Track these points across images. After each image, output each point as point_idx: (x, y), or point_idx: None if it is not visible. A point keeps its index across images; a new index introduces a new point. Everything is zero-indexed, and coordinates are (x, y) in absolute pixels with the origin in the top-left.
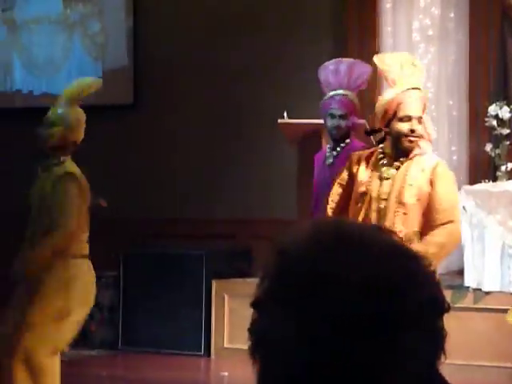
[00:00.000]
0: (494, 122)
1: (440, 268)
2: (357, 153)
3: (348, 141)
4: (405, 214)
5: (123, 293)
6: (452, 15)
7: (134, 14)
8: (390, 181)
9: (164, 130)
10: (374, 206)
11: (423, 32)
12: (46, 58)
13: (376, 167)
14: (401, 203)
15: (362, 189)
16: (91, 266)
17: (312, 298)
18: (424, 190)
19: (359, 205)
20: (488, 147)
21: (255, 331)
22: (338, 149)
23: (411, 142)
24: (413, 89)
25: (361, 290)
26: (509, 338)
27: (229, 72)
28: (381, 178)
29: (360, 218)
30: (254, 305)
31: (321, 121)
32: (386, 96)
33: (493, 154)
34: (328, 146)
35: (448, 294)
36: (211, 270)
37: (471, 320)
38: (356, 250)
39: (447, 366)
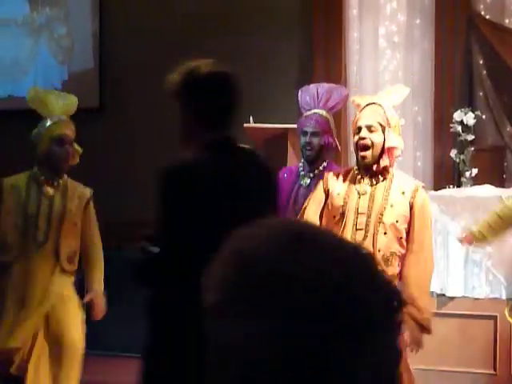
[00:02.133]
0: (459, 128)
1: None
2: (331, 172)
3: (325, 164)
4: (385, 233)
5: None
6: (418, 22)
7: (99, 18)
8: (367, 196)
9: (130, 134)
10: (351, 219)
11: (389, 38)
12: (11, 60)
13: (353, 182)
14: (381, 222)
15: (340, 202)
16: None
17: (273, 298)
18: (404, 214)
19: (337, 218)
20: (453, 153)
21: (215, 334)
22: (316, 171)
23: (363, 156)
24: (367, 105)
25: (320, 290)
26: (472, 343)
27: None
28: (358, 193)
29: (339, 232)
30: (209, 308)
31: (287, 125)
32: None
33: (457, 160)
34: (300, 164)
35: None
36: None
37: (435, 325)
38: (315, 250)
39: None
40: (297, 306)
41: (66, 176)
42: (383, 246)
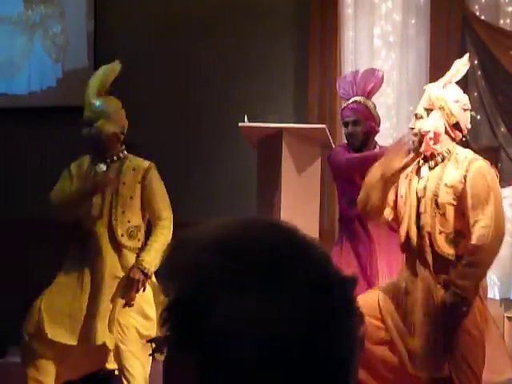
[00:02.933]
0: None
1: None
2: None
3: (374, 150)
4: (442, 214)
5: None
6: (413, 22)
7: (94, 16)
8: (424, 179)
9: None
10: (412, 202)
11: (384, 38)
12: (5, 58)
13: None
14: (437, 204)
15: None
16: None
17: (259, 280)
18: (459, 188)
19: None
20: None
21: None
22: None
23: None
24: None
25: (298, 280)
26: None
27: (190, 73)
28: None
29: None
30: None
31: (282, 124)
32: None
33: None
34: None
35: None
36: None
37: None
38: (289, 235)
39: None
40: (279, 287)
41: (125, 152)
42: (443, 226)
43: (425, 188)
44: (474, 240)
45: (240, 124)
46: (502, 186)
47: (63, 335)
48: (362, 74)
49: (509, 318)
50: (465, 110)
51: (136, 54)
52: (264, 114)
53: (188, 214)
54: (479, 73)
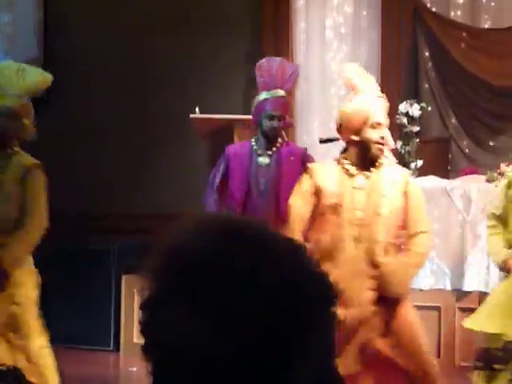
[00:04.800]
0: (405, 120)
1: None
2: (315, 164)
3: (280, 141)
4: (382, 225)
5: None
6: (365, 13)
7: (44, 6)
8: (363, 191)
9: (76, 124)
10: (347, 215)
11: (336, 30)
12: None
13: (345, 177)
14: (378, 214)
15: (334, 200)
16: None
17: (213, 292)
18: (397, 203)
19: (329, 216)
20: (398, 144)
21: (153, 330)
22: (274, 149)
23: (380, 149)
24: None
25: (257, 282)
26: None
27: (143, 66)
28: (353, 188)
29: (332, 229)
30: (148, 305)
31: (233, 116)
32: (355, 104)
33: (403, 151)
34: (253, 143)
35: None
36: (122, 265)
37: None
38: (245, 241)
39: None
40: (228, 297)
41: (16, 148)
42: (382, 236)
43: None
44: None
45: (191, 115)
46: (453, 177)
47: None
48: (283, 64)
49: (460, 308)
50: None
51: (87, 45)
52: (216, 106)
53: (141, 205)
54: (430, 64)
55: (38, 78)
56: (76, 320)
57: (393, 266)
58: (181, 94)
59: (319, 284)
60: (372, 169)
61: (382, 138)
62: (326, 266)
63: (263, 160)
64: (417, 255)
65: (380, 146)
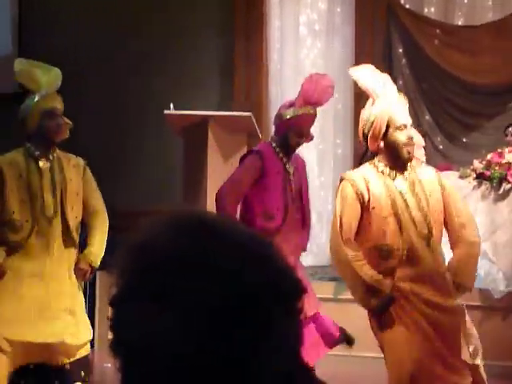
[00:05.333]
0: None
1: (325, 260)
2: (351, 172)
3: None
4: (435, 222)
5: None
6: (339, 10)
7: (19, 2)
8: (408, 193)
9: None
10: (405, 217)
11: (310, 26)
12: None
13: (386, 182)
14: (429, 213)
15: (386, 212)
16: None
17: (183, 288)
18: (440, 200)
19: (382, 220)
20: None
21: (120, 328)
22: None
23: (409, 151)
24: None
25: (227, 277)
26: None
27: (117, 61)
28: (400, 192)
29: (391, 233)
30: (115, 302)
31: (208, 112)
32: (376, 111)
33: None
34: (278, 150)
35: (331, 286)
36: None
37: (354, 311)
38: (220, 238)
39: (327, 356)
40: (205, 294)
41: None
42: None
43: None
44: None
45: (166, 112)
46: None
47: (24, 334)
48: (329, 83)
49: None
50: None
51: (62, 41)
52: (190, 102)
53: (115, 202)
54: (404, 61)
55: (56, 73)
56: None
57: (458, 262)
58: (155, 91)
59: (291, 280)
60: (406, 171)
61: (411, 138)
62: (405, 271)
63: (290, 169)
64: (473, 245)
65: (409, 148)
